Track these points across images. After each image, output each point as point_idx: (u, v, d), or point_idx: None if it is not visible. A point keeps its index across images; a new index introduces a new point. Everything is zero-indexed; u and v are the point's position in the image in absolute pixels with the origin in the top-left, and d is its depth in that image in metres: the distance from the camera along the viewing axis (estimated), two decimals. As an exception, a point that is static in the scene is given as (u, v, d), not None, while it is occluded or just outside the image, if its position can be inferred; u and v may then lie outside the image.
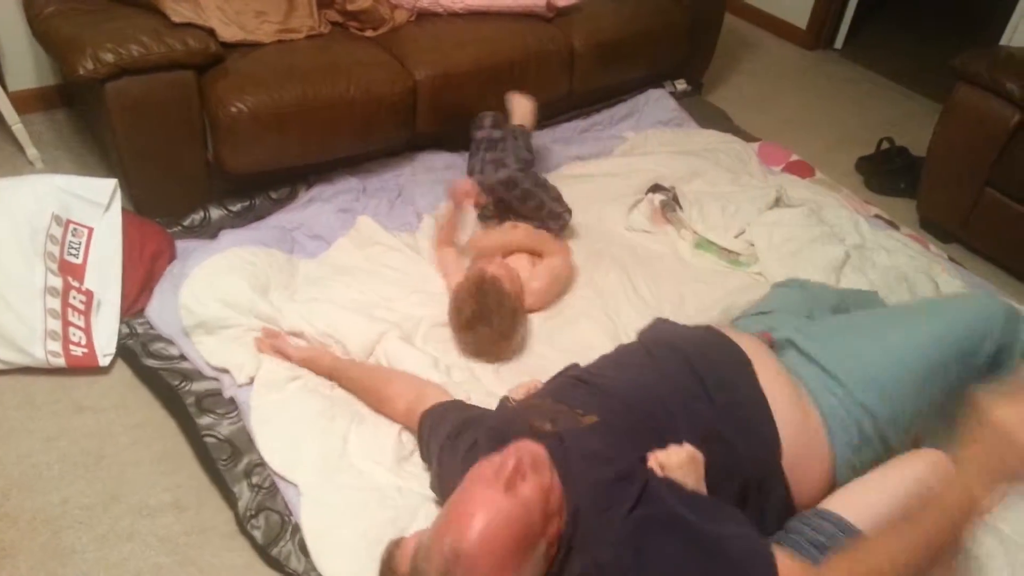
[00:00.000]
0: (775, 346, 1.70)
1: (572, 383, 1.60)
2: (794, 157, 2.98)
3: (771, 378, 1.55)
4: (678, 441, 1.39)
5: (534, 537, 1.21)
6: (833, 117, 3.46)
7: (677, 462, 1.34)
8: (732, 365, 1.57)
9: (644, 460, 1.36)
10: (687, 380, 1.53)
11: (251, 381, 1.90)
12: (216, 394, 1.91)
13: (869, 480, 1.46)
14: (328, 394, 1.89)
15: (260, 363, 1.93)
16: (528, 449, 1.27)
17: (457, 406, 1.74)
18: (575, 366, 1.72)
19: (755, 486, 1.45)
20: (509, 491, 1.20)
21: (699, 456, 1.37)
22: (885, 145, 3.10)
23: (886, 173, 3.02)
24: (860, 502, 1.41)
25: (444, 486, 1.59)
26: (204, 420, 1.84)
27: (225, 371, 1.93)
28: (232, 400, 1.89)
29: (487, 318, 1.98)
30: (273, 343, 1.98)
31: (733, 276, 2.40)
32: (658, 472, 1.34)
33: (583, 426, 1.43)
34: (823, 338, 1.66)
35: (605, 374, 1.59)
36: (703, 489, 1.36)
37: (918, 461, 1.45)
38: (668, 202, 2.62)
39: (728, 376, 1.55)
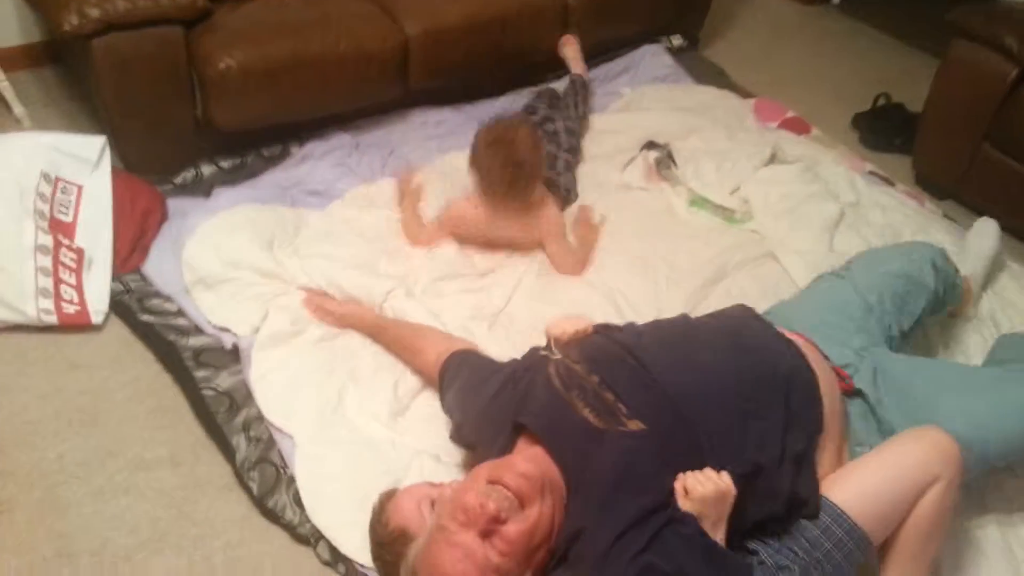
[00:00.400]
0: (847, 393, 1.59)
1: (621, 358, 1.46)
2: (790, 113, 2.96)
3: (827, 446, 1.48)
4: (719, 466, 1.29)
5: (520, 567, 1.25)
6: (830, 73, 3.42)
7: (702, 495, 1.25)
8: (807, 402, 1.46)
9: (672, 491, 1.28)
10: (765, 403, 1.40)
11: (252, 334, 1.90)
12: (214, 348, 1.92)
13: (871, 466, 1.43)
14: (327, 349, 1.90)
15: (263, 317, 1.93)
16: (516, 482, 1.24)
17: (486, 359, 1.71)
18: (629, 329, 1.60)
19: (783, 516, 1.38)
20: (486, 539, 1.22)
21: (731, 494, 1.27)
22: (881, 101, 3.08)
23: (882, 129, 2.99)
24: (862, 492, 1.38)
25: (468, 430, 1.60)
26: (201, 373, 1.85)
27: (226, 330, 1.94)
28: (233, 352, 1.90)
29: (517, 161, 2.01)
30: (318, 301, 1.98)
31: (728, 233, 2.39)
32: (680, 495, 1.26)
33: (627, 431, 1.33)
34: (906, 408, 1.53)
35: (660, 360, 1.44)
36: (723, 529, 1.28)
37: (919, 442, 1.42)
38: (663, 159, 2.60)
39: (801, 415, 1.44)
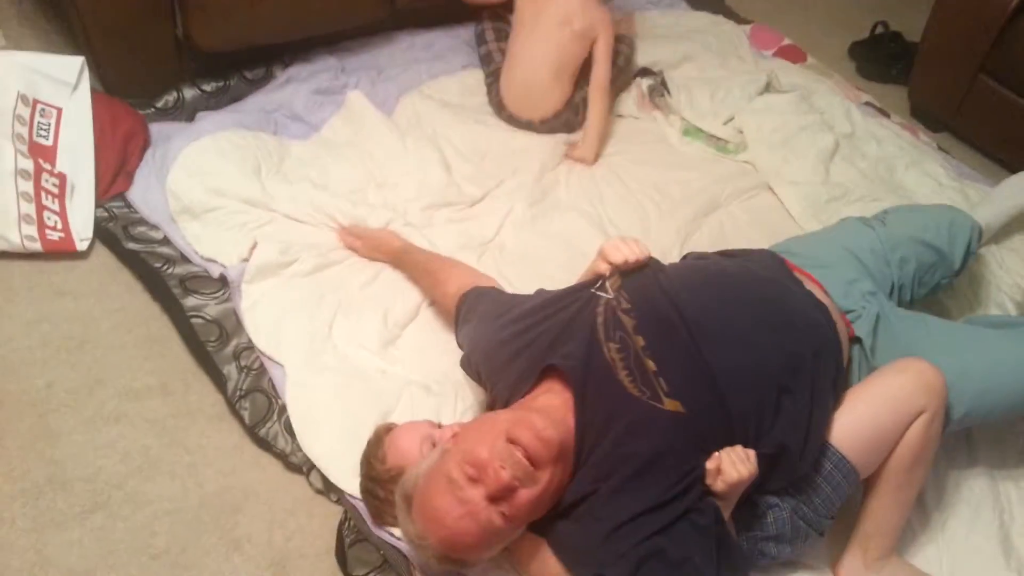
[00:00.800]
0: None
1: (670, 320, 1.36)
2: (786, 41, 2.90)
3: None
4: (746, 443, 1.28)
5: (518, 528, 1.25)
6: (827, 0, 3.34)
7: (736, 480, 1.23)
8: (835, 377, 1.44)
9: (699, 473, 1.26)
10: (799, 382, 1.36)
11: (240, 263, 1.88)
12: (201, 276, 1.89)
13: (857, 399, 1.43)
14: (317, 279, 1.88)
15: (250, 246, 1.90)
16: (535, 447, 1.19)
17: (509, 294, 1.63)
18: (675, 273, 1.49)
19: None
20: (493, 503, 1.18)
21: (754, 476, 1.26)
22: (879, 30, 3.01)
23: (879, 59, 2.94)
24: (849, 425, 1.39)
25: (479, 358, 1.50)
26: (190, 301, 1.83)
27: (212, 260, 1.91)
28: (221, 279, 1.88)
29: None
30: (350, 228, 1.96)
31: (721, 163, 2.37)
32: (711, 473, 1.25)
33: (664, 411, 1.27)
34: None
35: (708, 329, 1.35)
36: (732, 505, 1.29)
37: (904, 373, 1.42)
38: (656, 87, 2.55)
39: (827, 390, 1.41)
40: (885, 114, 2.66)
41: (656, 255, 1.55)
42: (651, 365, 1.31)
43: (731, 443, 1.27)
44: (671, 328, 1.36)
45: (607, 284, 1.45)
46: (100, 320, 1.83)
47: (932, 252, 1.72)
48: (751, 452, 1.26)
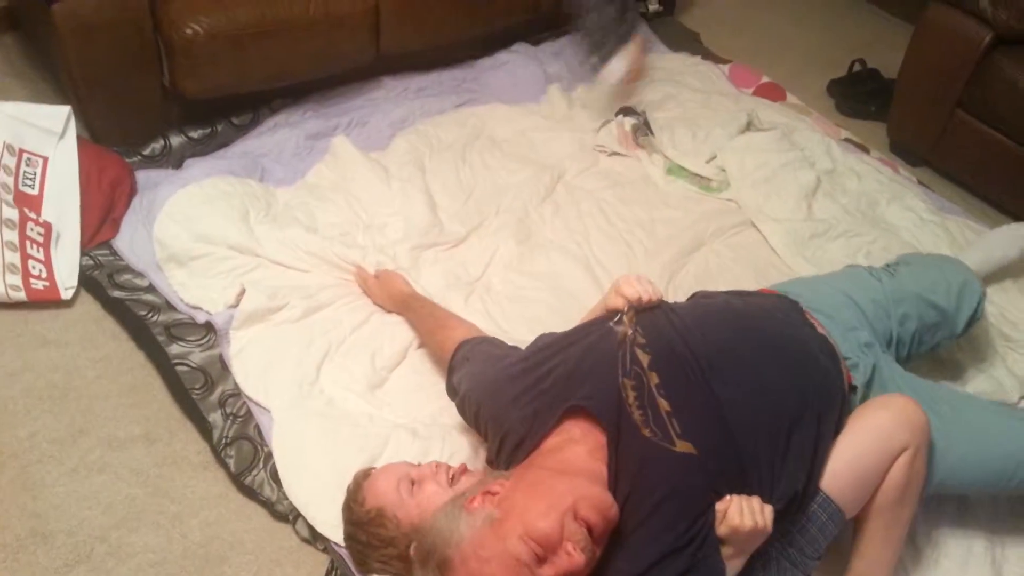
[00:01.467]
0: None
1: (684, 360, 1.35)
2: (765, 79, 2.95)
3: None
4: (761, 494, 1.27)
5: None
6: (805, 38, 3.40)
7: (738, 527, 1.21)
8: (837, 424, 1.42)
9: (710, 519, 1.24)
10: (809, 431, 1.35)
11: (228, 309, 1.88)
12: (186, 323, 1.89)
13: (841, 438, 1.41)
14: (306, 323, 1.89)
15: (237, 293, 1.90)
16: (603, 528, 1.15)
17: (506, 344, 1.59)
18: (685, 313, 1.48)
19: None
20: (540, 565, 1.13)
21: (767, 533, 1.24)
22: (857, 67, 3.07)
23: (857, 96, 2.99)
24: (833, 464, 1.38)
25: (480, 397, 1.46)
26: (175, 349, 1.83)
27: (198, 308, 1.91)
28: (206, 326, 1.88)
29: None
30: (364, 273, 1.97)
31: (705, 201, 2.39)
32: (719, 516, 1.24)
33: (675, 454, 1.25)
34: None
35: (723, 372, 1.35)
36: (743, 561, 1.27)
37: (886, 410, 1.41)
38: (639, 126, 2.58)
39: (829, 437, 1.39)
40: (865, 150, 2.69)
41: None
42: (664, 404, 1.30)
43: (745, 489, 1.26)
44: (684, 365, 1.35)
45: (624, 318, 1.44)
46: (84, 369, 1.82)
47: (937, 313, 1.69)
48: (768, 508, 1.25)
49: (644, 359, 1.36)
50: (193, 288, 1.93)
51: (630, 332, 1.41)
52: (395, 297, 1.91)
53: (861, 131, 2.85)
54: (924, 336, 1.69)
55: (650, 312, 1.47)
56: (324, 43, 2.38)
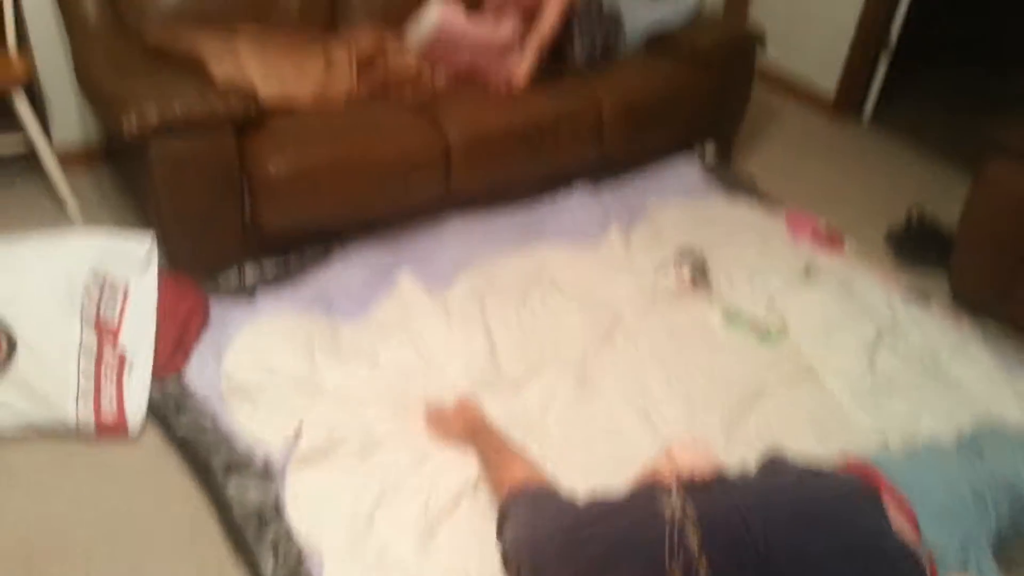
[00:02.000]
0: None
1: (739, 541, 1.27)
2: (822, 227, 2.97)
3: None
4: None
5: None
6: (862, 186, 3.44)
7: None
8: None
9: None
10: None
11: (286, 447, 1.90)
12: (246, 463, 1.90)
13: None
14: (362, 466, 1.89)
15: (297, 430, 1.93)
16: None
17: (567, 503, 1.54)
18: (748, 490, 1.42)
19: None
20: None
21: None
22: (915, 215, 3.08)
23: (916, 245, 2.99)
24: None
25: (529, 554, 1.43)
26: (232, 490, 1.83)
27: (259, 441, 1.93)
28: (264, 465, 1.89)
29: None
30: (438, 414, 2.00)
31: (763, 352, 2.38)
32: None
33: None
34: None
35: (782, 550, 1.27)
36: None
37: None
38: (697, 270, 2.61)
39: None
40: (926, 301, 2.67)
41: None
42: None
43: None
44: (740, 548, 1.27)
45: (674, 490, 1.39)
46: (144, 502, 1.84)
47: None
48: None
49: (694, 538, 1.28)
50: (256, 422, 1.96)
51: (679, 510, 1.33)
52: (471, 423, 1.93)
53: (921, 281, 2.83)
54: (1019, 518, 1.59)
55: (711, 493, 1.40)
56: (398, 183, 2.49)
